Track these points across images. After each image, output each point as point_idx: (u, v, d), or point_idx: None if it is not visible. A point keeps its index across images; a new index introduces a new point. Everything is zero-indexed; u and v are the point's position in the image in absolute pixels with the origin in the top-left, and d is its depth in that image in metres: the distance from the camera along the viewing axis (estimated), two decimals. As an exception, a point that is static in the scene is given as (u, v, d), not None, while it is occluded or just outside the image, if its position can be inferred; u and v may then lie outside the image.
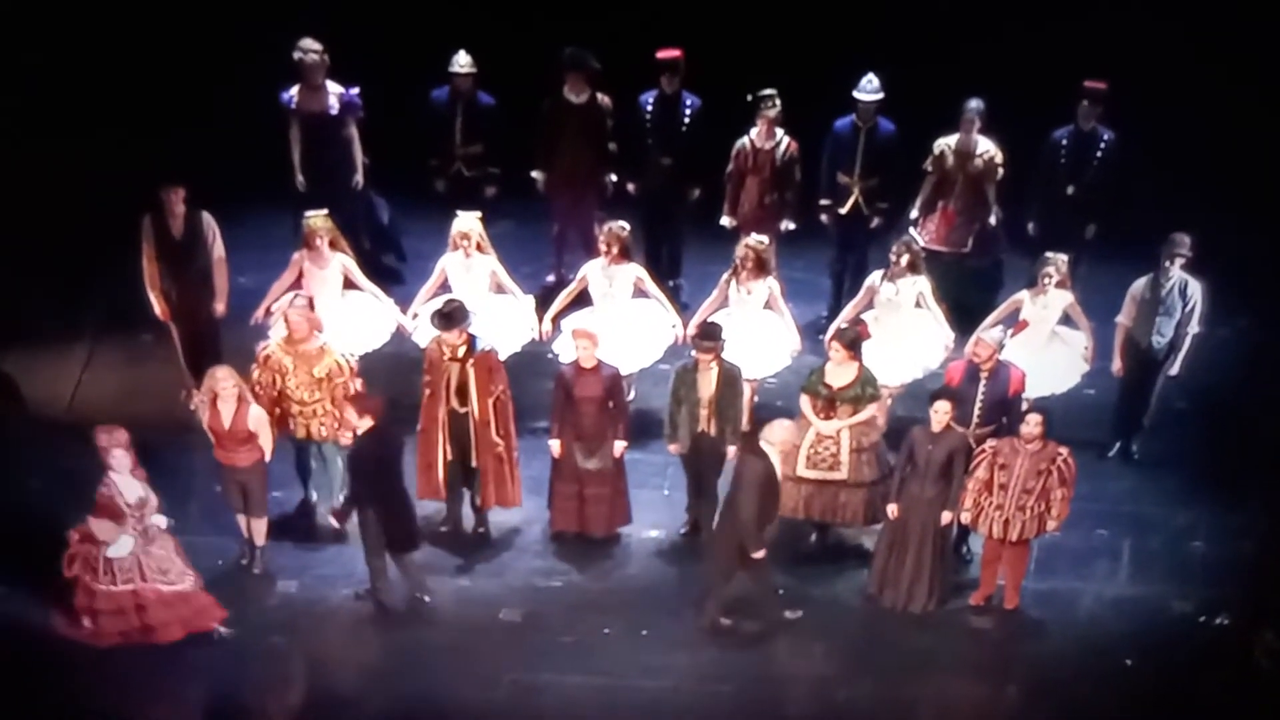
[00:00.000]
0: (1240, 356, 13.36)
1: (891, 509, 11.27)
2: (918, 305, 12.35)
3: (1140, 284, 12.29)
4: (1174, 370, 12.34)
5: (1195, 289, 12.16)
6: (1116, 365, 12.41)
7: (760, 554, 10.91)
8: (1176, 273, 12.11)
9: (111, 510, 10.70)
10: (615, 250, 12.34)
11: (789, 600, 11.39)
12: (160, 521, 10.84)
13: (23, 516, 11.68)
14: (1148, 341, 12.28)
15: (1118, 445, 12.69)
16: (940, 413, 11.08)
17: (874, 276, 12.44)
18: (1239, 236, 13.39)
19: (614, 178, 13.80)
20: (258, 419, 11.24)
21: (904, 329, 12.36)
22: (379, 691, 10.86)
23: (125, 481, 10.73)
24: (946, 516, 11.21)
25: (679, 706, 10.73)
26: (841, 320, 12.31)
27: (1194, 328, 12.20)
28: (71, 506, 11.74)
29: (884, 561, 11.39)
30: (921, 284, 12.33)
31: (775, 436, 10.90)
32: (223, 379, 11.14)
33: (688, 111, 13.53)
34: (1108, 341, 12.40)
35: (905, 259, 12.26)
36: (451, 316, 11.34)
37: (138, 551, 10.74)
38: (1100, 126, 13.23)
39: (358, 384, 11.76)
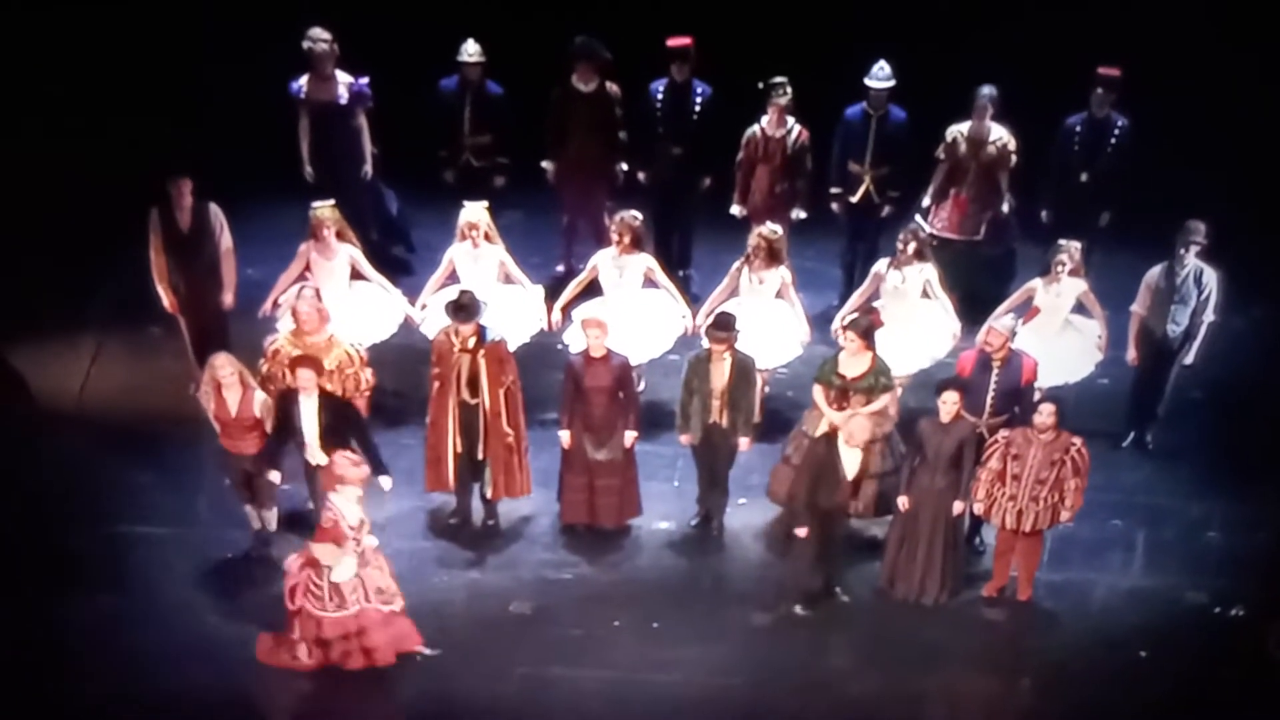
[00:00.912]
0: (1255, 346, 13.26)
1: (902, 501, 11.18)
2: (925, 294, 12.25)
3: (1155, 272, 12.17)
4: (1189, 359, 12.22)
5: (1210, 277, 12.04)
6: (1131, 354, 12.29)
7: (801, 532, 10.97)
8: (1191, 260, 11.99)
9: (335, 534, 10.49)
10: (627, 240, 12.25)
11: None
12: (372, 541, 10.64)
13: (30, 513, 11.69)
14: (1163, 330, 12.17)
15: (1132, 435, 12.59)
16: (948, 403, 10.99)
17: (880, 264, 12.34)
18: (1254, 224, 13.28)
19: (624, 167, 13.71)
20: (263, 405, 11.20)
21: (911, 318, 12.27)
22: (389, 684, 10.80)
23: (349, 506, 10.54)
24: (958, 507, 11.12)
25: (690, 700, 10.67)
26: (848, 310, 12.22)
27: (1209, 316, 12.08)
28: (82, 501, 11.91)
29: (895, 554, 11.32)
30: (929, 272, 12.22)
31: (858, 439, 10.82)
32: (221, 366, 11.09)
33: (698, 100, 13.43)
34: (1121, 330, 12.30)
35: (912, 246, 12.16)
36: (469, 309, 11.27)
37: (359, 572, 10.60)
38: (1114, 113, 13.10)
39: (368, 374, 11.73)
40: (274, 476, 11.28)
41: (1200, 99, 13.91)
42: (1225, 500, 12.05)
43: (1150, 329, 12.21)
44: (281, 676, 10.90)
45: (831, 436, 10.98)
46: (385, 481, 11.15)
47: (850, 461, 10.90)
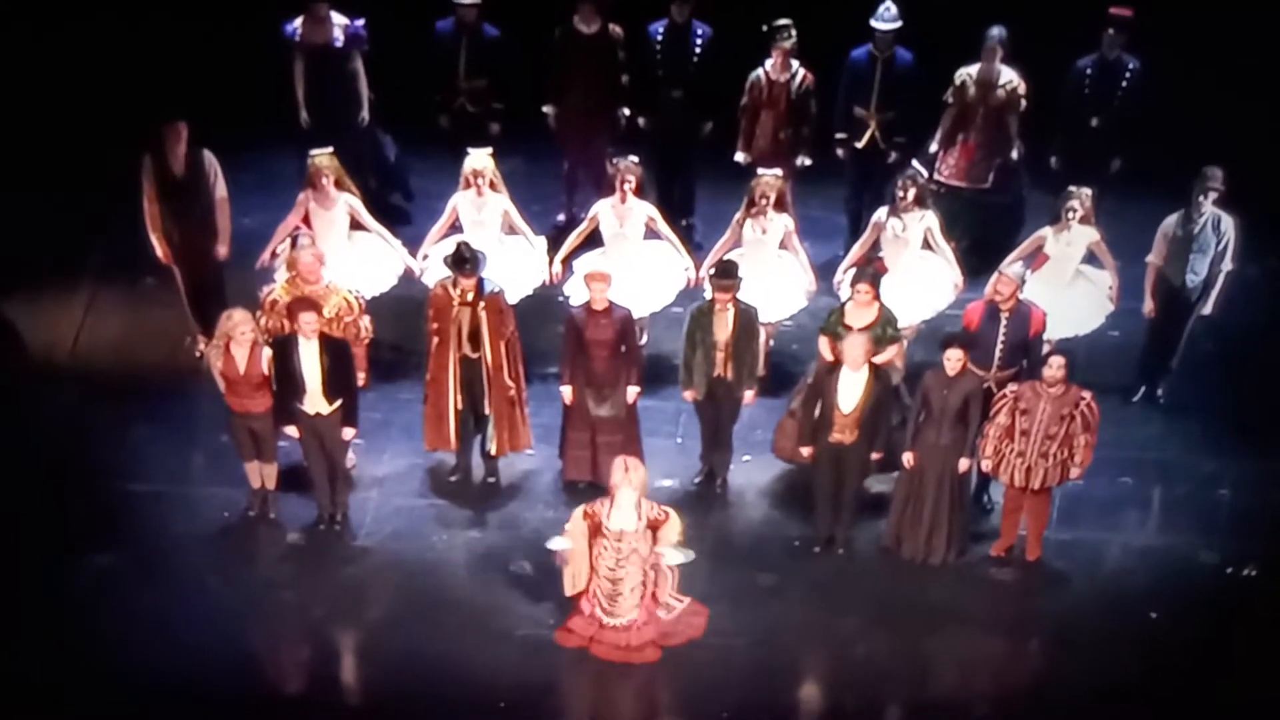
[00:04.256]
0: (1271, 296, 13.00)
1: (907, 457, 11.01)
2: (926, 243, 11.99)
3: (1171, 221, 11.89)
4: (1207, 309, 11.97)
5: (1228, 224, 11.76)
6: (1148, 306, 12.04)
7: (805, 451, 11.11)
8: (1209, 208, 11.71)
9: (589, 521, 10.40)
10: (632, 184, 11.97)
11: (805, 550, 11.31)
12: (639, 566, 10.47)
13: (23, 469, 11.56)
14: (1181, 280, 11.89)
15: (1143, 389, 12.37)
16: (952, 360, 10.78)
17: (880, 212, 12.05)
18: (1272, 169, 12.95)
19: (626, 112, 13.42)
20: (271, 362, 11.00)
21: (911, 267, 12.02)
22: (387, 645, 10.73)
23: (622, 510, 10.36)
24: (964, 464, 10.96)
25: (693, 660, 10.58)
26: (849, 261, 11.99)
27: (1227, 265, 11.82)
28: (76, 457, 11.78)
29: (901, 512, 11.16)
30: (929, 219, 11.95)
31: (854, 357, 10.77)
32: (239, 323, 10.87)
33: (699, 42, 13.11)
34: (1133, 281, 12.04)
35: (912, 193, 11.88)
36: (475, 261, 11.07)
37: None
38: (1126, 55, 12.78)
39: (367, 322, 11.53)
40: (292, 432, 11.13)
41: (1215, 40, 13.55)
42: (1239, 457, 11.85)
43: (1168, 279, 11.95)
44: (273, 636, 10.91)
45: (836, 365, 10.87)
46: (348, 432, 11.12)
47: (850, 390, 10.75)
